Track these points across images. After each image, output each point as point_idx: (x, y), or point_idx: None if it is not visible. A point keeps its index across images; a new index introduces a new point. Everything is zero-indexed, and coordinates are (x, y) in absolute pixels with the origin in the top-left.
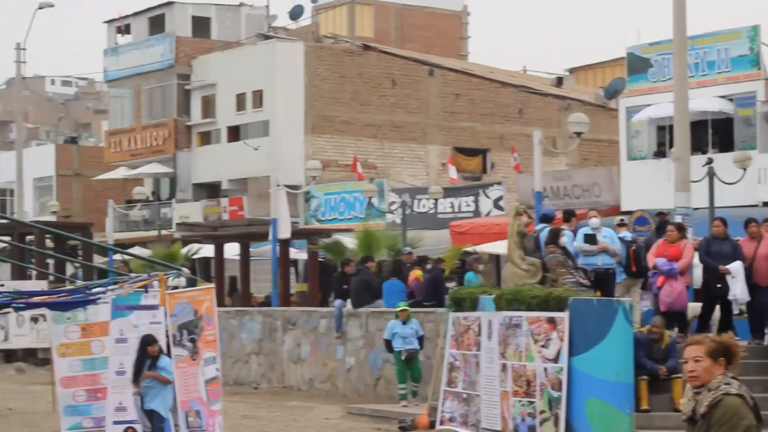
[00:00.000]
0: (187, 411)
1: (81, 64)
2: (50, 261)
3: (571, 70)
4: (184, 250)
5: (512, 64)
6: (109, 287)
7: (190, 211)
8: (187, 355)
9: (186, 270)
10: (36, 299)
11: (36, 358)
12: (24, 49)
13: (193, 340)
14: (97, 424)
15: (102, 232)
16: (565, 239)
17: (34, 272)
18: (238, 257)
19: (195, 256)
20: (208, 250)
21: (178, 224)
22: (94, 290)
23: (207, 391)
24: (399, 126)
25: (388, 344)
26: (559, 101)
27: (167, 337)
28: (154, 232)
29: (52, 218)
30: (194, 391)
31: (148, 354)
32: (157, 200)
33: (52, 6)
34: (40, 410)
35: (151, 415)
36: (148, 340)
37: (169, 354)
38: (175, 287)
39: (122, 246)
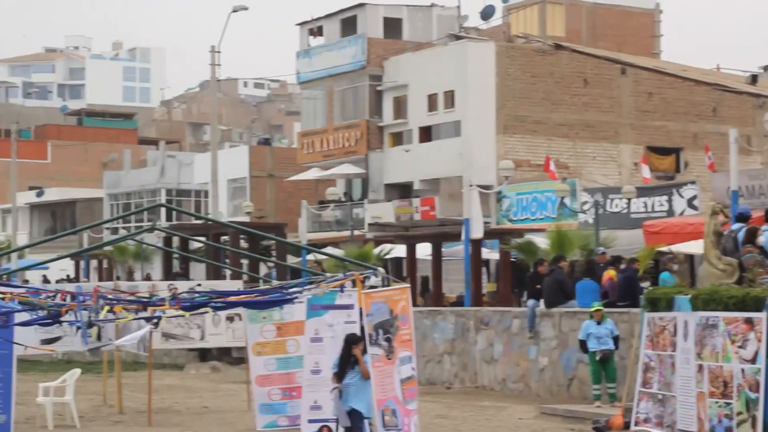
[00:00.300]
0: (383, 410)
1: (273, 66)
2: (244, 261)
3: (766, 68)
4: (376, 250)
5: (705, 62)
6: (306, 287)
7: (382, 211)
8: (383, 354)
9: (381, 270)
10: (233, 299)
11: (230, 356)
12: (218, 51)
13: (388, 340)
14: (292, 422)
15: (294, 232)
16: (763, 239)
17: (228, 272)
18: (430, 257)
19: (387, 257)
20: (400, 250)
21: (370, 224)
22: (291, 290)
23: (402, 390)
24: (591, 125)
25: (583, 344)
26: (754, 99)
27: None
28: (347, 233)
29: (246, 219)
30: (390, 390)
31: (351, 353)
32: (350, 201)
33: (246, 9)
34: (236, 408)
35: (350, 414)
36: (352, 339)
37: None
38: (372, 287)
39: (315, 246)
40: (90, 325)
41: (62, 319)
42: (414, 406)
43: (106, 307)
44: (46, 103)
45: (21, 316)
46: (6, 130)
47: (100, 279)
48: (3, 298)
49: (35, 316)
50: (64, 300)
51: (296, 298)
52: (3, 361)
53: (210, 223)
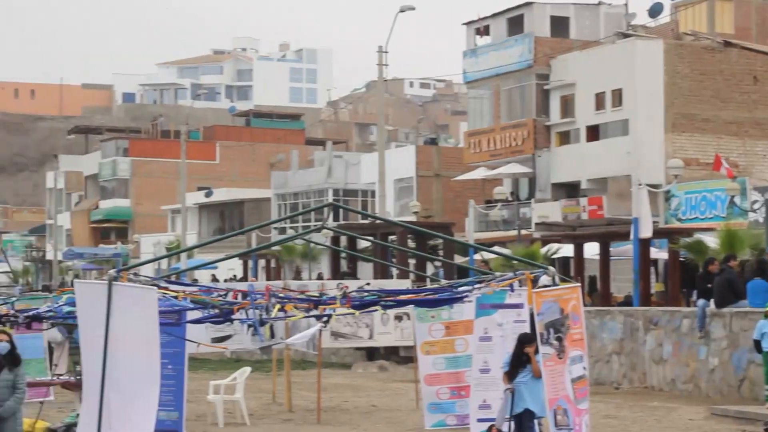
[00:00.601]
0: (555, 409)
1: (438, 66)
2: (411, 260)
3: None
4: (543, 250)
5: None
6: (475, 285)
7: (549, 210)
8: (554, 353)
9: (552, 269)
10: (404, 297)
11: (398, 355)
12: (386, 52)
13: (559, 339)
14: (460, 421)
15: (461, 232)
16: None
17: (395, 271)
18: (597, 257)
19: (554, 256)
20: (567, 250)
21: (537, 224)
22: (460, 288)
23: (574, 389)
24: (761, 123)
25: (757, 344)
26: None
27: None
28: (513, 232)
29: (412, 218)
30: (561, 389)
31: (523, 352)
32: (516, 200)
33: (413, 9)
34: (404, 407)
35: (520, 416)
36: (526, 339)
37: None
38: (545, 285)
39: (481, 245)
40: (262, 323)
41: (234, 317)
42: (585, 406)
43: (277, 306)
44: (215, 105)
45: (193, 314)
46: (175, 131)
47: (268, 278)
48: (175, 297)
49: (207, 314)
50: (236, 298)
51: (467, 296)
52: (175, 359)
53: (377, 222)
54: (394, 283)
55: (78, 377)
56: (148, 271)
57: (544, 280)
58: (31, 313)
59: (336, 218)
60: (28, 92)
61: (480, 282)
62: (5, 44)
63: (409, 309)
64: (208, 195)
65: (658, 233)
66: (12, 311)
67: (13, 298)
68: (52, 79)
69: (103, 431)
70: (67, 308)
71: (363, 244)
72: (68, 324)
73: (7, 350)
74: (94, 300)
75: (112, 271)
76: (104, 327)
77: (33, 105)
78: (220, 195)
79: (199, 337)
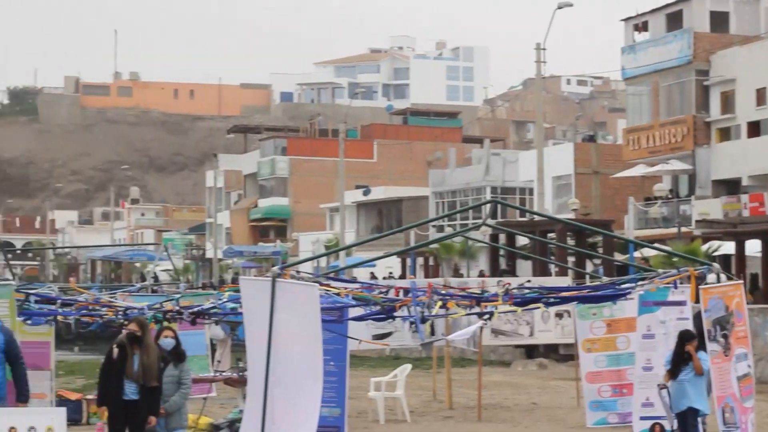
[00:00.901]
0: (723, 407)
1: (595, 63)
2: (570, 258)
3: None
4: (703, 247)
5: None
6: (638, 282)
7: (709, 207)
8: (720, 350)
9: (716, 265)
10: (566, 294)
11: (557, 353)
12: (544, 49)
13: (725, 336)
14: (622, 419)
15: (620, 229)
16: None
17: (553, 269)
18: (759, 254)
19: (715, 253)
20: (728, 247)
21: (697, 221)
22: (623, 285)
23: (739, 387)
24: None
25: None
26: None
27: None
28: (673, 230)
29: (571, 216)
30: (728, 387)
31: (684, 350)
32: (676, 197)
33: (571, 5)
34: (564, 405)
35: (684, 414)
36: (687, 336)
37: (704, 348)
38: (707, 283)
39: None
40: (423, 320)
41: (395, 314)
42: (751, 404)
43: (439, 303)
44: (372, 103)
45: (354, 311)
46: (333, 129)
47: (426, 276)
48: (338, 294)
49: (369, 311)
50: (398, 295)
51: (629, 293)
52: (337, 356)
53: (535, 220)
54: (553, 281)
55: (240, 373)
56: (306, 269)
57: (712, 277)
58: (195, 309)
59: (494, 216)
60: (188, 92)
61: (643, 279)
62: (165, 46)
63: (570, 306)
64: (366, 193)
65: None
66: (177, 308)
67: (178, 295)
68: (210, 79)
69: (267, 427)
70: (230, 305)
71: (521, 241)
72: (231, 321)
73: (172, 346)
74: (259, 297)
75: (275, 268)
76: (268, 323)
77: (192, 105)
78: (378, 193)
79: (360, 333)
